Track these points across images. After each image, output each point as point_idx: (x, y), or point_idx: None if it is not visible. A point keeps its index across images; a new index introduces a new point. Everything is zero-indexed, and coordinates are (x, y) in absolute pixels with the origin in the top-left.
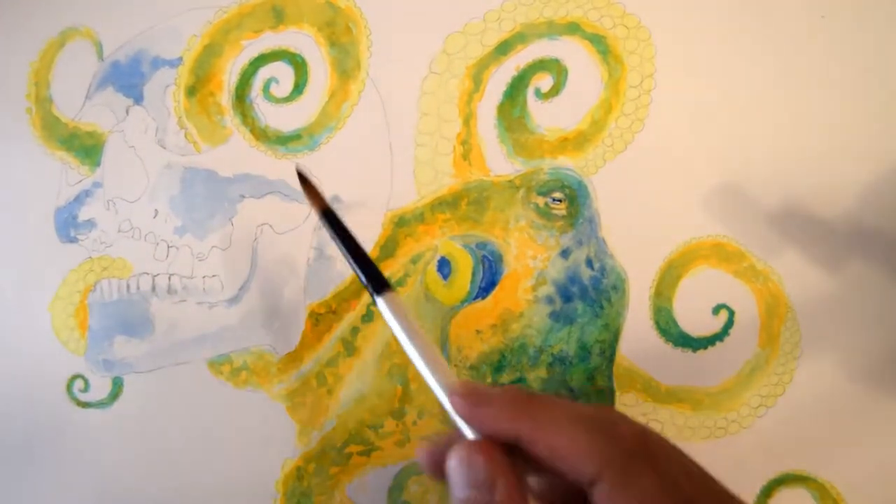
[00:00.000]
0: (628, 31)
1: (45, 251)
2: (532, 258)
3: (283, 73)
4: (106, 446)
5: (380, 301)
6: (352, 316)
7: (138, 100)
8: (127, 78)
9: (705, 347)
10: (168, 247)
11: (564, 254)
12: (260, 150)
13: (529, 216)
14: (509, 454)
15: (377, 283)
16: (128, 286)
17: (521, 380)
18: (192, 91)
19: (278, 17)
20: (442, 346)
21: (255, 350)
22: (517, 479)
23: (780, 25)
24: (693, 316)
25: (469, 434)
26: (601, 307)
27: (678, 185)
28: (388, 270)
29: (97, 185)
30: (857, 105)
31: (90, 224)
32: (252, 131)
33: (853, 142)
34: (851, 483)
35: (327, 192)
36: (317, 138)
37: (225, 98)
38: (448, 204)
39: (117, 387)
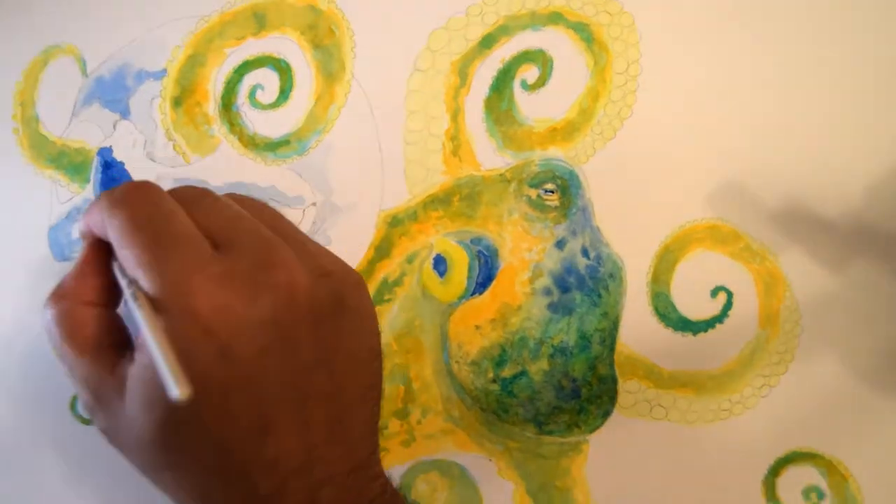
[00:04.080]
0: (611, 17)
1: (41, 271)
2: (527, 251)
3: (268, 79)
4: (110, 463)
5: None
6: None
7: (125, 114)
8: (112, 92)
9: (705, 330)
10: None
11: (559, 244)
12: (249, 157)
13: (522, 209)
14: None
15: None
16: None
17: (523, 373)
18: (177, 102)
19: (260, 23)
20: (442, 343)
21: None
22: None
23: (768, 4)
24: (691, 300)
25: None
26: (599, 296)
27: (670, 170)
28: (385, 271)
29: (88, 201)
30: (847, 82)
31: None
32: (240, 139)
33: (841, 117)
34: (859, 458)
35: (319, 195)
36: (305, 143)
37: (211, 107)
38: (440, 201)
39: None
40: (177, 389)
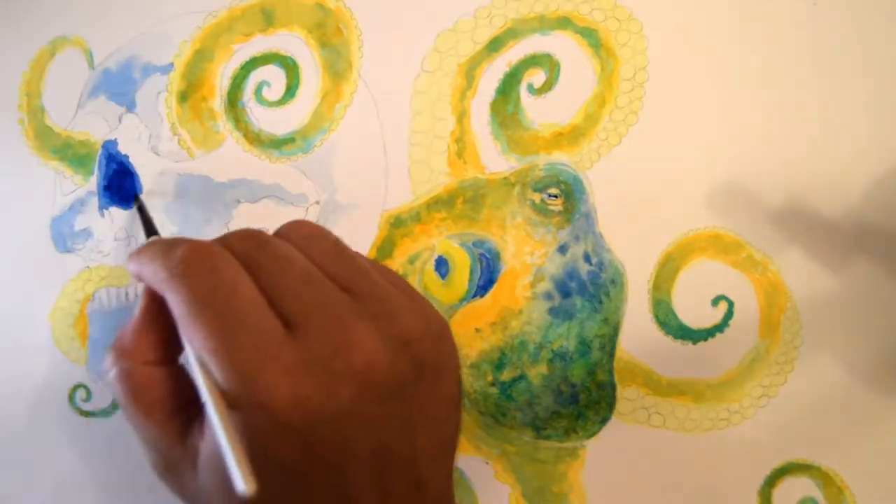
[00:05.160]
0: (619, 23)
1: (42, 262)
2: (529, 255)
3: (274, 77)
4: (108, 455)
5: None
6: None
7: (130, 107)
8: (119, 85)
9: (705, 339)
10: None
11: (562, 249)
12: (254, 154)
13: (526, 213)
14: None
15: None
16: (126, 294)
17: (522, 377)
18: (183, 97)
19: (268, 20)
20: None
21: None
22: None
23: (773, 13)
24: (692, 308)
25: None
26: (600, 302)
27: (674, 178)
28: None
29: (91, 193)
30: (853, 92)
31: (86, 233)
32: (245, 136)
33: (849, 130)
34: (855, 470)
35: (323, 194)
36: (310, 141)
37: (217, 103)
38: (444, 203)
39: None
40: (243, 485)
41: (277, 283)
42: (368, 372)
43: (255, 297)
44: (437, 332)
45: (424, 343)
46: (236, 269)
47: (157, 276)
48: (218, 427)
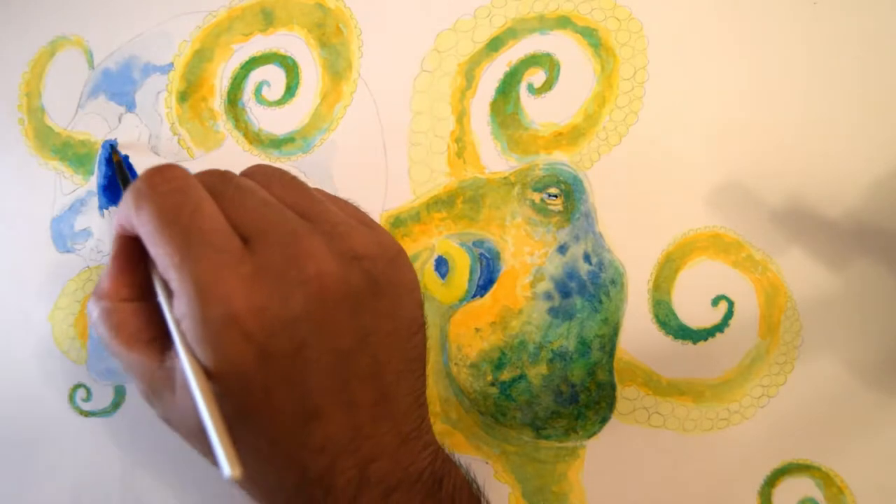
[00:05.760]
0: (619, 22)
1: (42, 262)
2: (529, 255)
3: (274, 76)
4: (109, 454)
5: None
6: None
7: (130, 107)
8: (118, 85)
9: (705, 339)
10: None
11: (562, 249)
12: (254, 153)
13: (526, 213)
14: None
15: None
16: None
17: (522, 377)
18: (183, 97)
19: (268, 20)
20: (441, 345)
21: None
22: None
23: (773, 13)
24: (692, 308)
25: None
26: (600, 302)
27: (674, 178)
28: None
29: (91, 193)
30: (853, 92)
31: (86, 233)
32: (245, 135)
33: (849, 130)
34: (856, 470)
35: None
36: (310, 140)
37: (217, 103)
38: (444, 203)
39: (119, 395)
40: (228, 471)
41: (238, 206)
42: (320, 279)
43: (216, 215)
44: (392, 256)
45: (377, 262)
46: (200, 191)
47: (128, 208)
48: (205, 416)
